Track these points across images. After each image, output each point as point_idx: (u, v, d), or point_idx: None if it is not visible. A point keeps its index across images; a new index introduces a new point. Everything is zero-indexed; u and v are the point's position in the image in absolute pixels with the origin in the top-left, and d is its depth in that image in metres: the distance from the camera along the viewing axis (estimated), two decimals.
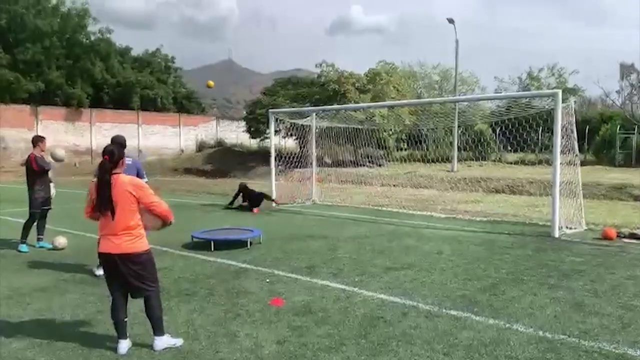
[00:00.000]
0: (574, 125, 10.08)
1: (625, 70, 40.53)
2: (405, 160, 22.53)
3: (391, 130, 24.24)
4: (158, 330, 4.21)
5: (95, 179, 4.14)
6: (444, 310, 5.15)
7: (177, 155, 38.64)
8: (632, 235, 9.07)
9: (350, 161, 21.89)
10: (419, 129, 23.62)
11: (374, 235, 9.50)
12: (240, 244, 8.25)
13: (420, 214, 12.38)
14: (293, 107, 22.14)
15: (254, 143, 38.40)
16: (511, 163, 26.06)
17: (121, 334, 4.16)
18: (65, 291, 5.85)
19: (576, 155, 10.09)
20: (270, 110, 15.09)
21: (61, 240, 8.24)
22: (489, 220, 11.47)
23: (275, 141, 37.89)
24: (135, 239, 4.09)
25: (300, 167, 15.99)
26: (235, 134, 41.63)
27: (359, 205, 14.09)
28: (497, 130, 24.69)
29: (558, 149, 9.32)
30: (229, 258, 7.50)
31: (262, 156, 32.78)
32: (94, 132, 36.22)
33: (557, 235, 9.23)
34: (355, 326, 4.72)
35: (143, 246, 4.14)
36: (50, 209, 8.42)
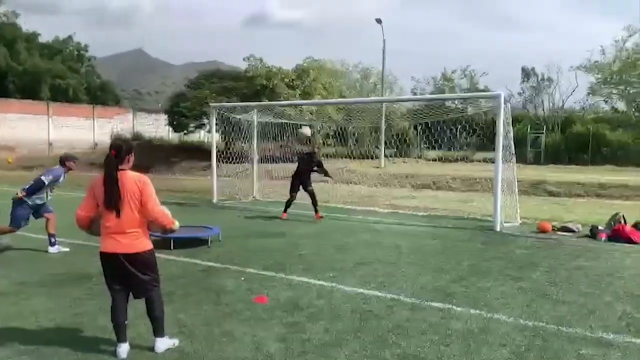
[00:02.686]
0: (511, 125, 10.74)
1: (526, 73, 43.46)
2: (331, 157, 22.86)
3: (320, 126, 24.49)
4: (159, 331, 4.07)
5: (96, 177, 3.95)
6: (426, 302, 5.35)
7: (91, 149, 36.78)
8: (564, 228, 9.83)
9: (278, 157, 21.92)
10: (344, 127, 24.10)
11: (329, 231, 9.62)
12: (200, 242, 8.06)
13: (363, 210, 12.66)
14: (219, 101, 21.76)
15: (174, 137, 37.33)
16: (432, 160, 27.22)
17: (121, 337, 3.98)
18: (31, 295, 5.47)
19: (513, 153, 10.74)
20: (212, 104, 14.79)
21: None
22: (429, 215, 11.96)
23: (200, 136, 37.20)
24: (140, 238, 3.95)
25: (231, 163, 15.80)
26: (154, 127, 40.33)
27: (300, 201, 14.11)
28: (418, 129, 25.77)
29: (500, 147, 9.90)
30: (191, 257, 7.32)
31: (185, 151, 31.96)
32: None
33: (498, 229, 9.81)
34: (348, 321, 4.80)
35: (147, 245, 4.00)
36: None
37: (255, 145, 14.60)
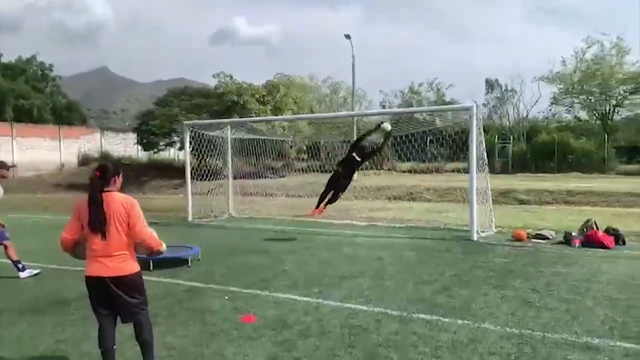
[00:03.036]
0: (483, 136, 10.95)
1: (490, 85, 44.53)
2: (305, 171, 22.88)
3: (292, 142, 24.55)
4: (149, 355, 3.98)
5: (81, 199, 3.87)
6: (413, 315, 5.38)
7: (58, 170, 35.97)
8: (538, 236, 10.03)
9: (253, 173, 21.83)
10: (316, 140, 24.21)
11: (309, 246, 9.61)
12: (179, 262, 7.94)
13: (341, 223, 12.71)
14: (190, 119, 21.63)
15: (143, 156, 36.89)
16: (404, 172, 27.49)
17: None
18: (10, 322, 5.30)
19: (485, 163, 10.92)
20: (185, 122, 14.68)
21: None
22: (407, 226, 12.06)
23: (169, 154, 36.75)
24: (128, 260, 3.87)
25: (204, 180, 15.65)
26: (122, 146, 39.79)
27: (277, 216, 14.13)
28: (390, 141, 26.02)
29: (474, 158, 10.07)
30: (172, 277, 7.22)
31: (155, 169, 31.62)
32: None
33: (475, 238, 9.95)
34: (338, 336, 4.78)
35: (135, 267, 3.92)
36: None
37: (229, 162, 14.52)
